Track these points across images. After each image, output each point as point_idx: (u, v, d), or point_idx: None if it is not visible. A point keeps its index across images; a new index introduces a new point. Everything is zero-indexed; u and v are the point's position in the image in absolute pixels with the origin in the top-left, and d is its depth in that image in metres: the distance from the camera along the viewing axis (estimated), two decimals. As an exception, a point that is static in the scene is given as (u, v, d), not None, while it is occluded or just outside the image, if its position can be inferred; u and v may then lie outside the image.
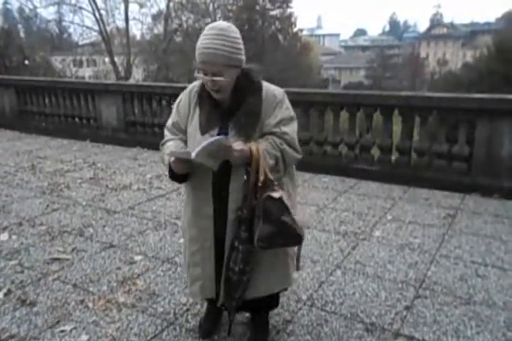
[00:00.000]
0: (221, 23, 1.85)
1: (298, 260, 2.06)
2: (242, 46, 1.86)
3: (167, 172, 2.03)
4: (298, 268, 2.08)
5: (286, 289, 2.33)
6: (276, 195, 1.85)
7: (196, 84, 2.05)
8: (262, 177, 1.83)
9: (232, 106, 1.93)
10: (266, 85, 1.98)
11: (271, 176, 1.86)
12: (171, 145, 2.01)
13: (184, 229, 2.21)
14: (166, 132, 2.11)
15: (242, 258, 1.93)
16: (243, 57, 1.88)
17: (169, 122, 2.11)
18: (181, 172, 1.93)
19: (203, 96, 1.97)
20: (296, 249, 2.05)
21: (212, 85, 1.85)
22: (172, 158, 1.87)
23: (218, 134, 1.89)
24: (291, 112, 2.00)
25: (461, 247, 3.42)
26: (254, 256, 1.96)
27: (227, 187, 1.94)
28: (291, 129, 1.96)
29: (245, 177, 1.88)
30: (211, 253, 2.05)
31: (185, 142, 2.03)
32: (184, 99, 2.06)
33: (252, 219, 1.90)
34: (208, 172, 1.93)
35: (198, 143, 1.82)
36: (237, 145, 1.82)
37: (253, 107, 1.91)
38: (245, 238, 1.91)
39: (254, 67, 1.99)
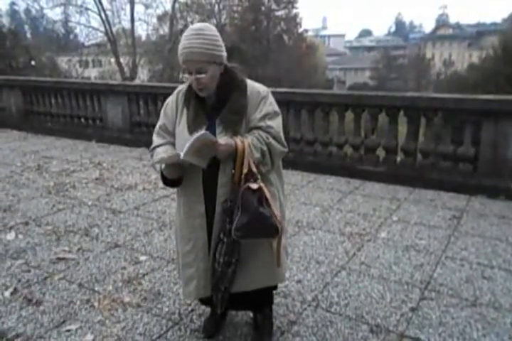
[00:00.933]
0: (198, 24, 1.95)
1: (278, 254, 2.03)
2: (220, 43, 1.92)
3: (160, 179, 2.07)
4: (278, 265, 2.06)
5: (276, 287, 2.32)
6: (254, 186, 1.89)
7: (183, 87, 2.11)
8: (245, 170, 1.88)
9: (218, 103, 1.99)
10: (250, 83, 2.05)
11: (254, 168, 1.90)
12: (160, 151, 2.05)
13: (176, 230, 2.24)
14: (154, 137, 2.15)
15: (226, 249, 1.97)
16: (223, 54, 1.94)
17: (157, 126, 2.16)
18: (174, 176, 1.99)
19: (190, 96, 2.03)
20: (279, 244, 2.01)
21: (197, 84, 1.91)
22: (163, 165, 1.94)
23: None
24: (276, 107, 2.06)
25: (467, 249, 3.40)
26: (240, 248, 1.99)
27: (216, 183, 1.98)
28: (276, 123, 2.02)
29: (232, 171, 1.93)
30: (204, 252, 2.07)
31: (174, 145, 2.07)
32: (171, 102, 2.12)
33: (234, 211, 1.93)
34: (197, 172, 1.98)
35: (186, 142, 1.86)
36: (223, 139, 1.88)
37: (238, 104, 1.97)
38: (230, 229, 1.94)
39: (237, 66, 2.06)
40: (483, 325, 2.46)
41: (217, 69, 1.93)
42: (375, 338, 2.35)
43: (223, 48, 1.94)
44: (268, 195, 1.91)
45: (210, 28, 1.91)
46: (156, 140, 2.13)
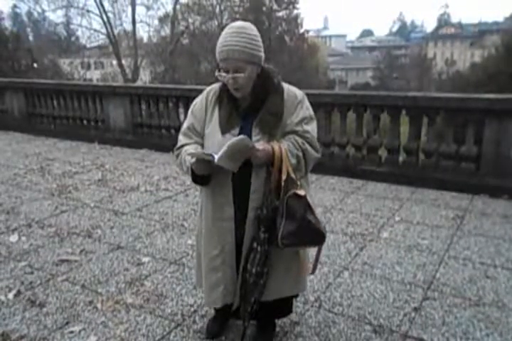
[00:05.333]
0: (239, 22, 1.90)
1: (316, 261, 2.03)
2: (260, 43, 1.88)
3: (189, 176, 1.98)
4: (313, 271, 2.05)
5: (297, 295, 2.31)
6: (301, 192, 1.85)
7: (214, 86, 2.05)
8: (284, 176, 1.84)
9: (254, 105, 1.93)
10: (286, 86, 2.00)
11: (293, 175, 1.86)
12: (189, 148, 1.99)
13: (201, 234, 2.13)
14: (181, 137, 2.08)
15: (260, 259, 1.91)
16: (262, 55, 1.90)
17: (184, 126, 2.08)
18: (203, 173, 1.91)
19: (223, 96, 1.97)
20: (313, 251, 2.03)
21: (233, 83, 1.85)
22: (193, 160, 1.86)
23: (239, 134, 1.88)
24: (311, 112, 2.02)
25: (470, 248, 3.39)
26: (272, 259, 1.95)
27: (247, 187, 1.92)
28: (312, 128, 1.99)
29: (265, 176, 1.89)
30: (232, 256, 2.01)
31: (202, 145, 2.01)
32: (200, 103, 2.05)
33: (272, 219, 1.88)
34: (227, 174, 1.91)
35: (219, 143, 1.82)
36: (260, 144, 1.83)
37: (276, 106, 1.92)
38: (264, 239, 1.89)
39: (273, 68, 2.01)
40: (486, 324, 2.45)
41: (254, 69, 1.87)
42: (378, 338, 2.34)
43: (262, 49, 1.89)
44: (310, 201, 1.88)
45: (251, 27, 1.87)
46: (182, 139, 2.06)
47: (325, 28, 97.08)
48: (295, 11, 35.68)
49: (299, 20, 36.26)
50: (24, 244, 3.56)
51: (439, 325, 2.45)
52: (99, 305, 2.67)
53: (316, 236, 1.89)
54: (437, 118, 4.95)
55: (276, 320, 2.39)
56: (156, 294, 2.79)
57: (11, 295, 2.78)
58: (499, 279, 2.93)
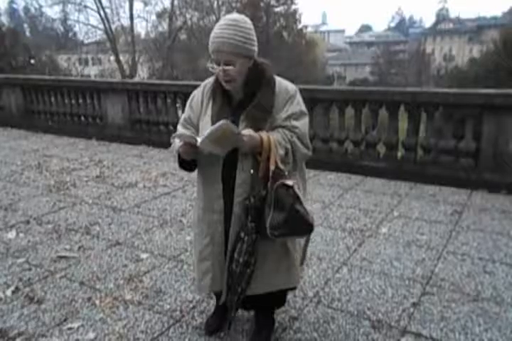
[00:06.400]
0: (234, 15, 1.89)
1: (304, 253, 2.04)
2: (254, 37, 1.88)
3: (177, 161, 2.04)
4: (302, 263, 2.05)
5: (295, 288, 2.32)
6: (289, 182, 1.85)
7: (210, 80, 2.06)
8: (272, 167, 1.84)
9: (244, 98, 1.94)
10: (279, 80, 1.99)
11: (281, 165, 1.86)
12: (181, 131, 2.05)
13: (194, 224, 2.22)
14: (179, 126, 2.13)
15: (246, 249, 1.93)
16: (255, 48, 1.90)
17: (182, 117, 2.13)
18: (188, 157, 1.95)
19: (216, 90, 1.98)
20: (303, 242, 2.03)
21: (223, 75, 1.86)
22: (181, 143, 1.89)
23: None
24: (303, 107, 2.01)
25: (469, 244, 3.40)
26: (259, 249, 1.96)
27: (235, 180, 1.94)
28: (302, 124, 1.97)
29: (251, 171, 1.89)
30: (222, 247, 2.04)
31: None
32: (197, 95, 2.08)
33: (260, 209, 1.89)
34: (217, 167, 1.95)
35: None
36: (247, 131, 1.83)
37: (265, 100, 1.91)
38: (251, 228, 1.91)
39: (267, 62, 2.00)
40: (485, 319, 2.45)
41: (246, 63, 1.87)
42: (376, 334, 2.34)
43: (255, 42, 1.89)
44: (298, 192, 1.88)
45: (245, 20, 1.86)
46: (180, 129, 2.10)
47: (323, 23, 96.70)
48: (293, 6, 35.64)
49: (297, 16, 36.21)
50: (22, 240, 3.56)
51: (437, 320, 2.45)
52: (97, 302, 2.66)
53: (304, 226, 1.89)
54: (436, 114, 4.94)
55: (275, 316, 2.39)
56: (155, 290, 2.78)
57: (9, 292, 2.78)
58: (498, 274, 2.94)
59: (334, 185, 4.90)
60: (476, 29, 62.20)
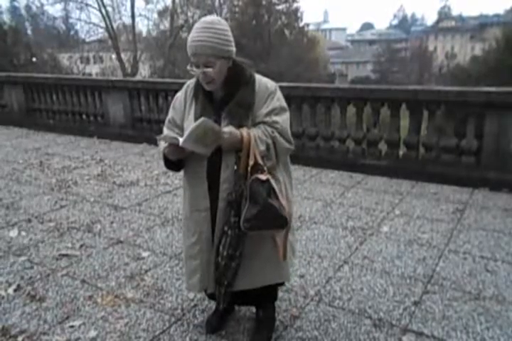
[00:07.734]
0: (209, 17, 1.93)
1: (283, 247, 2.03)
2: (230, 38, 1.91)
3: (162, 161, 2.08)
4: (284, 258, 2.05)
5: (283, 284, 2.31)
6: (263, 177, 1.88)
7: (192, 81, 2.10)
8: (251, 162, 1.88)
9: (225, 97, 1.98)
10: (258, 77, 2.03)
11: (261, 161, 1.90)
12: (166, 132, 2.10)
13: (182, 223, 2.26)
14: (164, 129, 2.18)
15: (230, 242, 1.96)
16: (232, 49, 1.93)
17: (166, 119, 2.18)
18: (173, 157, 1.99)
19: (198, 90, 2.02)
20: (286, 237, 2.02)
21: (203, 77, 1.91)
22: (166, 144, 1.94)
23: None
24: (283, 103, 2.05)
25: (470, 242, 3.39)
26: (244, 242, 1.99)
27: (219, 177, 1.98)
28: (283, 119, 2.00)
29: (235, 166, 1.93)
30: (209, 245, 2.07)
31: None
32: (180, 96, 2.13)
33: (240, 203, 1.92)
34: (202, 166, 2.00)
35: None
36: (227, 128, 1.88)
37: (245, 98, 1.95)
38: (234, 222, 1.94)
39: (246, 61, 2.04)
40: (486, 318, 2.45)
41: (225, 63, 1.91)
42: (378, 332, 2.34)
43: (233, 43, 1.92)
44: (276, 186, 1.91)
45: (221, 21, 1.90)
46: (165, 131, 2.15)
47: (325, 21, 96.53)
48: (295, 5, 35.49)
49: (298, 14, 36.08)
50: (24, 238, 3.56)
51: (439, 318, 2.45)
52: (99, 300, 2.67)
53: (277, 219, 1.90)
54: (438, 112, 4.92)
55: (276, 314, 2.39)
56: (156, 288, 2.79)
57: (11, 290, 2.78)
58: (499, 273, 2.93)
59: (335, 184, 4.90)
60: (478, 27, 61.95)
